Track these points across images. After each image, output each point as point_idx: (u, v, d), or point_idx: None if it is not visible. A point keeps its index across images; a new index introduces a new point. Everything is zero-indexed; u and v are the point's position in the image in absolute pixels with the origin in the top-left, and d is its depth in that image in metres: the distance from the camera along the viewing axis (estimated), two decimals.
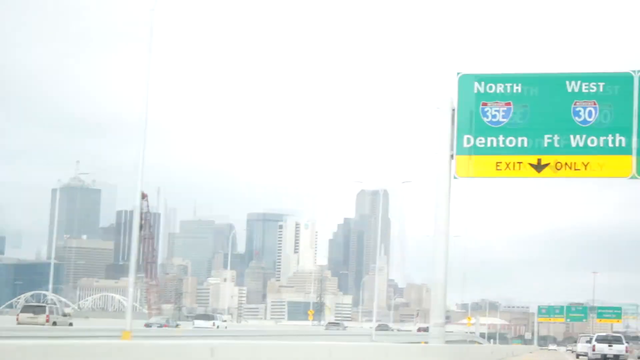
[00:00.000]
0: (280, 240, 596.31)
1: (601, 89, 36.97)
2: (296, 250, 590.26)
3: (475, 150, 37.19)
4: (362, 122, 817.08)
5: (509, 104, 37.21)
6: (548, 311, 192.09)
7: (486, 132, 37.21)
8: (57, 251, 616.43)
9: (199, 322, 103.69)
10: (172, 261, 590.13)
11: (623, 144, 36.92)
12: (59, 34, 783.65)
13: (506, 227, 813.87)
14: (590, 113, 37.01)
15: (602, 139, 36.87)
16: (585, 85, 37.13)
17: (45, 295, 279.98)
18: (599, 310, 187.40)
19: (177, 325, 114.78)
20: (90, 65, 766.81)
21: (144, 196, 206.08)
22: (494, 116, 37.27)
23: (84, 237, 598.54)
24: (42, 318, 69.29)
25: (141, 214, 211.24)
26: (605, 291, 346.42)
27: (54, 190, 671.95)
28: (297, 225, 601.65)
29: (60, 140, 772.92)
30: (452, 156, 37.40)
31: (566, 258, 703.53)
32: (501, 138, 37.17)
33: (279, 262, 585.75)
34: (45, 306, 76.51)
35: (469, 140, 37.49)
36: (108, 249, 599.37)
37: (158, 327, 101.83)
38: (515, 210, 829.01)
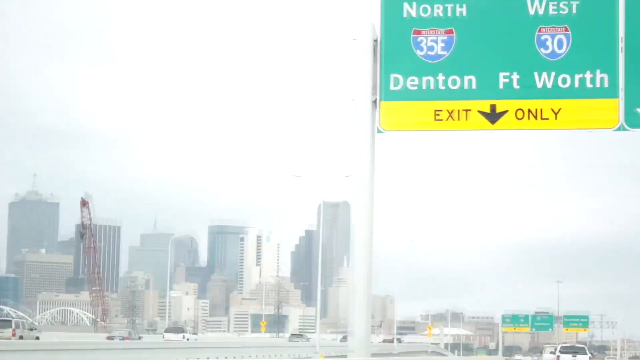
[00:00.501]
0: (242, 253, 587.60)
1: (574, 10, 27.47)
2: (258, 263, 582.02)
3: (406, 95, 27.43)
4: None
5: (450, 31, 27.53)
6: (513, 320, 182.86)
7: (420, 70, 27.42)
8: (15, 265, 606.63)
9: (169, 335, 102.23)
10: (133, 274, 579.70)
11: (605, 84, 27.27)
12: (19, 45, 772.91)
13: (471, 237, 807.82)
14: (560, 42, 27.44)
15: (577, 77, 27.22)
16: (554, 6, 27.51)
17: (1, 310, 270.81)
18: (565, 319, 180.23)
19: (139, 338, 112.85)
20: (45, 77, 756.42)
21: (84, 203, 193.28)
22: (430, 48, 27.55)
23: (43, 250, 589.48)
24: (8, 332, 68.92)
25: (82, 223, 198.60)
26: (571, 302, 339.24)
27: (11, 204, 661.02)
28: (259, 237, 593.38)
29: (16, 153, 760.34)
30: (375, 102, 27.62)
31: (531, 269, 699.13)
32: (441, 78, 27.36)
33: (241, 274, 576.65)
34: (11, 320, 76.79)
35: (397, 82, 27.61)
36: (67, 262, 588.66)
37: (120, 339, 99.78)
38: (480, 221, 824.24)
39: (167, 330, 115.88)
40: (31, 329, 77.11)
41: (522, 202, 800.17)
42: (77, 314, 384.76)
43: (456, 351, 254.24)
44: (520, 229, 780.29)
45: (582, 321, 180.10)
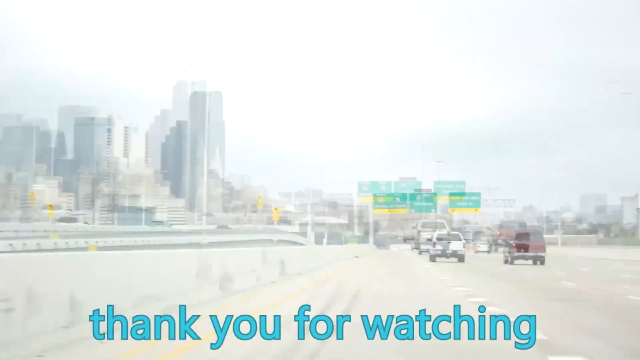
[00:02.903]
0: (110, 144, 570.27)
1: None
2: (126, 155, 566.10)
3: None
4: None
5: None
6: (387, 201, 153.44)
7: None
8: None
9: (64, 224, 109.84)
10: None
11: None
12: None
13: (354, 128, 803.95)
14: None
15: None
16: None
17: None
18: (452, 198, 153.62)
19: None
20: None
21: None
22: None
23: None
24: None
25: None
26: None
27: None
28: (127, 128, 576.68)
29: None
30: None
31: (409, 154, 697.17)
32: None
33: (108, 166, 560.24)
34: None
35: None
36: None
37: None
38: (362, 112, 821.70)
39: (60, 220, 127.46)
40: None
41: (396, 91, 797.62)
42: None
43: (324, 240, 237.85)
44: (399, 117, 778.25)
45: (474, 200, 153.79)
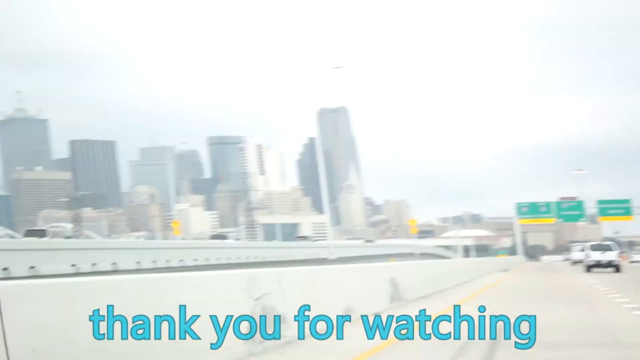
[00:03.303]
0: (244, 163, 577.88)
1: None
2: (262, 172, 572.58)
3: None
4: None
5: None
6: (531, 210, 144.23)
7: None
8: (11, 184, 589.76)
9: (212, 241, 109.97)
10: (137, 189, 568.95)
11: None
12: None
13: (480, 142, 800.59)
14: None
15: None
16: None
17: None
18: (601, 206, 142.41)
19: None
20: None
21: None
22: None
23: (39, 168, 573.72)
24: None
25: None
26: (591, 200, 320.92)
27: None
28: (259, 146, 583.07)
29: None
30: None
31: (546, 171, 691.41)
32: None
33: (248, 184, 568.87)
34: (45, 230, 77.13)
35: None
36: (65, 179, 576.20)
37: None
38: (486, 125, 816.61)
39: (212, 237, 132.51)
40: (67, 237, 76.75)
41: (526, 105, 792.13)
42: (70, 228, 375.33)
43: (471, 253, 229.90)
44: (525, 133, 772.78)
45: (624, 207, 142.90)
